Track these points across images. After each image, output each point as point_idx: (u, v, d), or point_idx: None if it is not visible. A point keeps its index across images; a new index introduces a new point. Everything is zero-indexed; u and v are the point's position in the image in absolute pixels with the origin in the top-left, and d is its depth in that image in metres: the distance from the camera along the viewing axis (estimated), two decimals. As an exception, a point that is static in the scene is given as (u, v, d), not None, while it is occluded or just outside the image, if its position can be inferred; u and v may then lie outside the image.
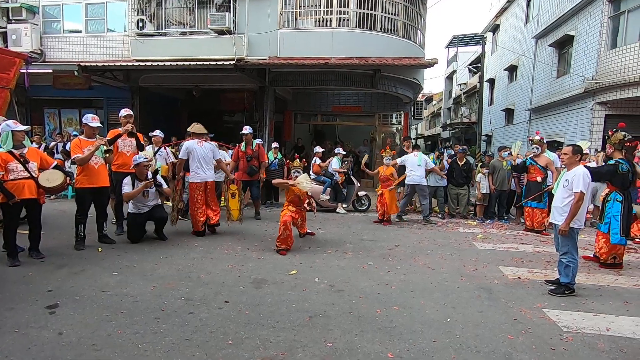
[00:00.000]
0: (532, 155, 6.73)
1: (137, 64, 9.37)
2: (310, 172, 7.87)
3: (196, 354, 2.53)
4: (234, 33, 9.32)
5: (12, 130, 3.90)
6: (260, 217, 7.05)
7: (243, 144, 6.95)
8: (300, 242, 5.44)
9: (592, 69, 10.08)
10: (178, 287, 3.63)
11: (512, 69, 16.45)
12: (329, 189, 7.88)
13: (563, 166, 4.10)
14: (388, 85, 10.30)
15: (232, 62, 8.57)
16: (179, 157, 5.67)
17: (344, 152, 8.80)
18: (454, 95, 26.47)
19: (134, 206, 5.00)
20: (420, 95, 17.08)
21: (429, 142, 32.49)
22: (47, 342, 2.61)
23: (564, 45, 11.97)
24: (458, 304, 3.46)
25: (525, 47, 14.56)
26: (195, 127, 5.56)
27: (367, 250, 5.11)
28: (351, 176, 8.33)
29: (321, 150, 8.56)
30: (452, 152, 9.55)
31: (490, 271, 4.42)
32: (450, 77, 27.96)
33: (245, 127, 7.09)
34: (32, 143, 5.29)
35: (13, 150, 3.87)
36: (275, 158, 7.95)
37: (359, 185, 8.63)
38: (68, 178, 4.35)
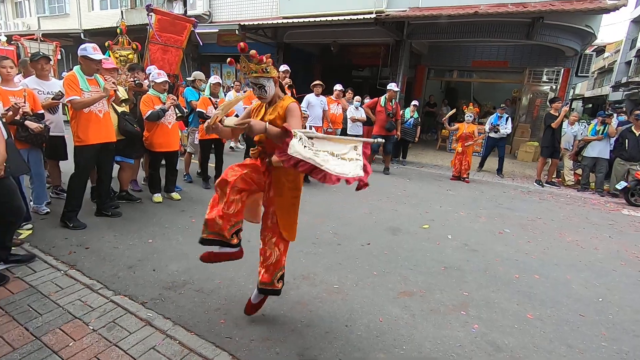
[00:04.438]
0: None
1: (284, 21, 10.18)
2: None
3: (349, 276, 3.07)
4: (375, -16, 9.13)
5: (210, 83, 4.99)
6: (389, 172, 7.31)
7: (383, 98, 7.10)
8: (431, 200, 5.55)
9: None
10: (326, 223, 4.27)
11: None
12: None
13: None
14: (548, 36, 8.76)
15: (372, 16, 8.55)
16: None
17: None
18: (638, 45, 20.67)
19: None
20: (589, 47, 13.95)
21: (590, 105, 26.64)
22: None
23: None
24: (614, 287, 3.18)
25: None
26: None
27: (503, 218, 4.93)
28: None
29: None
30: (623, 119, 7.86)
31: (663, 261, 3.81)
32: (638, 21, 21.71)
33: (391, 83, 7.22)
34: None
35: (211, 97, 4.95)
36: (411, 117, 7.90)
37: None
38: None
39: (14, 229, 2.86)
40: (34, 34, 10.74)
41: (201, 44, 8.26)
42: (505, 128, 7.47)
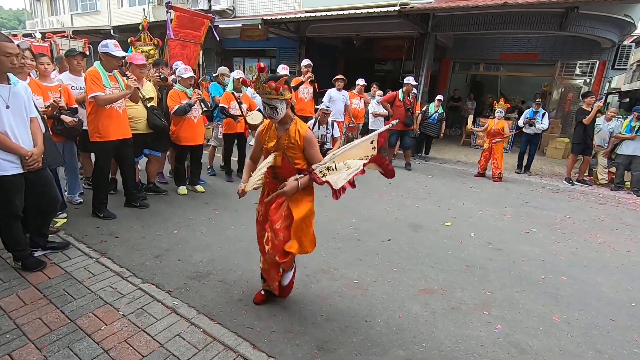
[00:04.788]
0: None
1: (307, 15, 10.14)
2: None
3: (369, 272, 3.07)
4: (399, -25, 8.93)
5: (233, 78, 5.05)
6: (411, 167, 7.21)
7: (401, 92, 6.99)
8: (453, 197, 5.44)
9: None
10: (346, 218, 4.28)
11: None
12: None
13: None
14: (583, 27, 8.34)
15: (395, 8, 8.38)
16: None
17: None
18: (683, 35, 19.30)
19: None
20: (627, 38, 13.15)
21: (627, 100, 25.16)
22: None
23: None
24: (649, 292, 3.04)
25: None
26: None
27: (530, 216, 4.77)
28: None
29: None
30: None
31: None
32: (682, 9, 20.21)
33: (408, 76, 7.09)
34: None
35: (234, 92, 5.03)
36: (435, 111, 7.73)
37: None
38: (265, 118, 5.39)
39: (51, 217, 3.03)
40: (64, 32, 11.22)
41: (218, 38, 8.38)
42: (541, 124, 7.09)
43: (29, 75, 3.33)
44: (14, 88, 2.43)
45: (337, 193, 2.00)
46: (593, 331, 2.48)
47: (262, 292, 2.54)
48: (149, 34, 6.63)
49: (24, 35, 11.08)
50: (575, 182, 6.82)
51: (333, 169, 2.06)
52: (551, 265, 3.41)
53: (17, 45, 2.53)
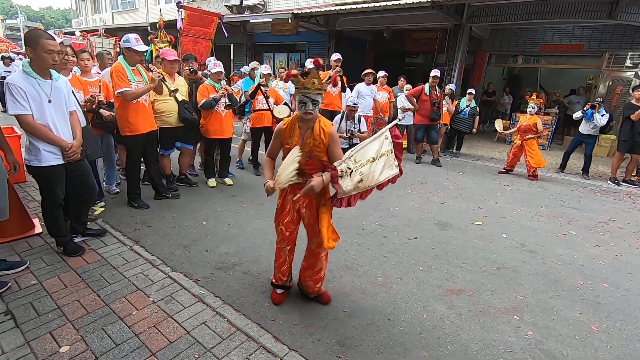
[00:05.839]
0: None
1: (337, 8, 10.03)
2: None
3: (393, 269, 3.02)
4: (434, -36, 8.60)
5: (261, 73, 5.10)
6: (440, 164, 7.00)
7: (427, 86, 6.76)
8: (485, 196, 5.23)
9: None
10: (371, 214, 4.22)
11: None
12: None
13: None
14: (636, 14, 7.68)
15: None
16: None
17: None
18: None
19: None
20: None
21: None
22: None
23: None
24: (703, 304, 2.78)
25: None
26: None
27: (568, 218, 4.50)
28: None
29: None
30: None
31: None
32: None
33: (434, 69, 6.85)
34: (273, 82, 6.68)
35: (261, 87, 5.08)
36: (467, 106, 7.44)
37: None
38: (292, 112, 5.41)
39: (89, 206, 3.20)
40: (97, 30, 11.85)
41: (226, 35, 8.47)
42: (601, 118, 6.37)
43: (71, 71, 3.51)
44: (56, 83, 2.58)
45: (338, 202, 2.10)
46: (636, 343, 2.31)
47: (280, 292, 2.53)
48: (164, 32, 6.99)
49: (65, 33, 11.79)
50: (621, 183, 6.36)
51: (348, 174, 2.04)
52: (590, 270, 3.21)
53: (61, 42, 2.67)
